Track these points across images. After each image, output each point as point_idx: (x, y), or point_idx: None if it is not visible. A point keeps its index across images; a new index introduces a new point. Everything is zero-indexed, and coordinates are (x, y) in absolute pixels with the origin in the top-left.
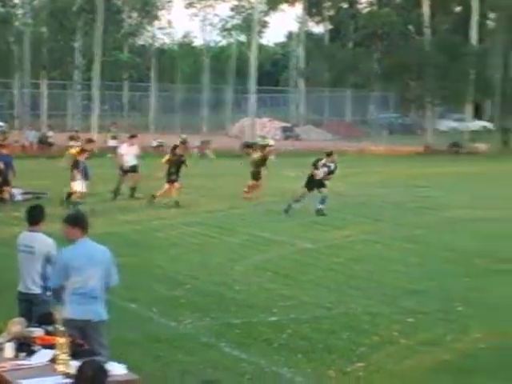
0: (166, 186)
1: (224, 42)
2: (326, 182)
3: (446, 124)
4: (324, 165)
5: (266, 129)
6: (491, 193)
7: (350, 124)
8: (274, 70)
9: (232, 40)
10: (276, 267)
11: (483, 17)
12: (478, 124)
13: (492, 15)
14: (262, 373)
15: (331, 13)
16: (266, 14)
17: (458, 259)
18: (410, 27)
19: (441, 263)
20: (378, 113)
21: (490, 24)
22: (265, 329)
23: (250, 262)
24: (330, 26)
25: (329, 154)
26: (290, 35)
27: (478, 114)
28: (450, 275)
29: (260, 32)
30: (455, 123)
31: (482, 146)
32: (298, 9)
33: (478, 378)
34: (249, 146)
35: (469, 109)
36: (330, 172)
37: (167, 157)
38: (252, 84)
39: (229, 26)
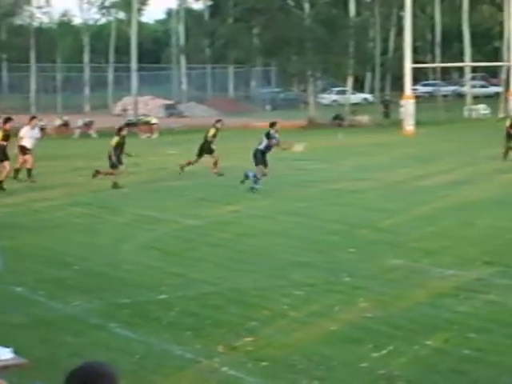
0: (114, 169)
1: (103, 20)
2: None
3: (329, 97)
4: (273, 135)
5: (149, 107)
6: (373, 164)
7: (232, 100)
8: (154, 48)
9: (111, 18)
10: (163, 245)
11: None
12: (360, 97)
13: None
14: (151, 351)
15: None
16: None
17: (343, 230)
18: (290, 1)
19: (327, 235)
20: (260, 88)
21: None
22: (154, 307)
23: (136, 242)
24: (209, 2)
25: (272, 125)
26: (169, 12)
27: (359, 86)
28: (337, 247)
29: (139, 9)
30: (337, 96)
31: (363, 118)
32: None
33: (365, 347)
34: (130, 124)
35: (350, 82)
36: (277, 143)
37: (116, 139)
38: (133, 62)
39: (107, 3)
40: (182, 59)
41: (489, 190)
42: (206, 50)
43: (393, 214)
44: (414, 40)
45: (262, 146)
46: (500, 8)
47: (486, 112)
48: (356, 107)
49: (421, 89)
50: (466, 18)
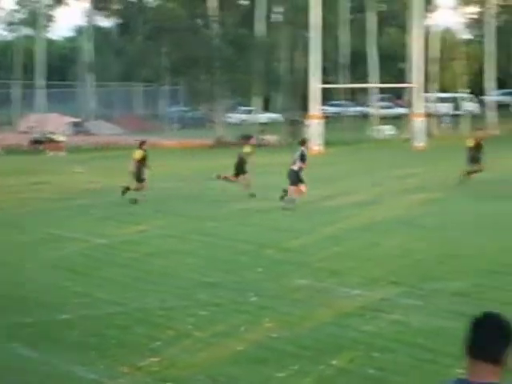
0: (140, 183)
1: (10, 37)
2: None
3: (236, 116)
4: (306, 156)
5: (56, 124)
6: (280, 184)
7: (140, 118)
8: (62, 65)
9: (18, 34)
10: (70, 264)
11: (269, 10)
12: (267, 116)
13: (277, 9)
14: (54, 372)
15: (119, 7)
16: (53, 7)
17: (250, 250)
18: (198, 21)
19: (234, 255)
20: (168, 107)
21: (275, 17)
22: (57, 327)
23: (42, 260)
24: (118, 20)
25: (303, 142)
26: (78, 29)
27: (267, 106)
28: (244, 266)
29: (45, 26)
30: (244, 115)
31: (271, 138)
32: (86, 2)
33: (271, 367)
34: (37, 141)
35: (257, 101)
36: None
37: (140, 153)
38: (38, 79)
39: (14, 19)
40: (90, 77)
41: (395, 211)
42: (114, 67)
43: (299, 234)
44: (322, 60)
45: (295, 167)
46: (405, 30)
47: (392, 133)
48: (264, 127)
49: (329, 109)
50: (374, 41)
